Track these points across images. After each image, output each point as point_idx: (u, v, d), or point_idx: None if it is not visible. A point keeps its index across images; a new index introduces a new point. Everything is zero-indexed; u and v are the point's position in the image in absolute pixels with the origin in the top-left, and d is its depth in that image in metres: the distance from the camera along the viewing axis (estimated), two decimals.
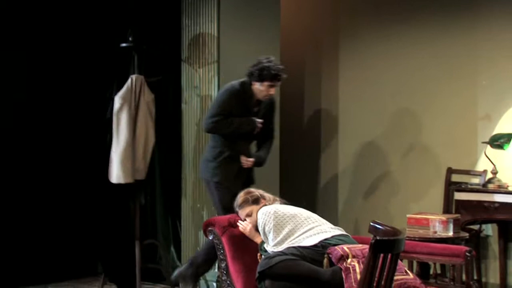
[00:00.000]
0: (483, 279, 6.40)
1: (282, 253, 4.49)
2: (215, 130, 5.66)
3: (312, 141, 7.71)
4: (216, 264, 5.90)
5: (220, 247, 4.82)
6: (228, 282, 4.78)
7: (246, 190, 4.96)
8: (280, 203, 4.90)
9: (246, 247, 4.79)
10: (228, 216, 5.02)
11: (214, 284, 6.37)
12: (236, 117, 5.65)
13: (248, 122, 5.66)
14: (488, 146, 6.02)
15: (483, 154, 6.13)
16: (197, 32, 6.54)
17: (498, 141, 5.94)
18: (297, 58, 7.78)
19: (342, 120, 7.48)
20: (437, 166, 6.63)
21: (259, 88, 5.63)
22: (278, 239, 4.60)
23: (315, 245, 4.51)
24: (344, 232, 4.69)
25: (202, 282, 6.49)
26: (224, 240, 4.81)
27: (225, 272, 4.80)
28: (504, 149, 5.95)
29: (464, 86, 6.63)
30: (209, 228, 4.87)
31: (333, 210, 7.37)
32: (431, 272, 5.87)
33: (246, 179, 5.76)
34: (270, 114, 5.88)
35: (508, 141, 5.91)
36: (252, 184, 5.73)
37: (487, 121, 6.46)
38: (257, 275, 4.52)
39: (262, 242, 4.71)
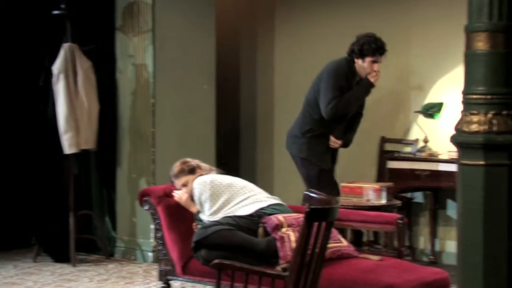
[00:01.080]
0: (414, 245, 6.54)
1: (217, 222, 4.51)
2: (337, 114, 5.46)
3: (248, 110, 7.70)
4: (153, 234, 5.88)
5: (156, 217, 4.82)
6: (164, 251, 4.79)
7: (182, 160, 4.93)
8: (217, 173, 4.89)
9: (182, 216, 4.79)
10: (164, 186, 5.00)
11: (150, 254, 6.36)
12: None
13: (363, 86, 5.49)
14: (420, 115, 6.11)
15: (415, 123, 6.23)
16: (131, 0, 6.44)
17: (429, 110, 6.05)
18: (232, 28, 7.74)
19: (278, 89, 7.49)
20: (371, 136, 6.71)
21: (362, 65, 5.46)
22: (214, 208, 4.60)
23: (250, 215, 4.53)
24: (280, 201, 4.72)
25: (137, 252, 6.47)
26: (159, 210, 4.79)
27: (161, 242, 4.80)
28: (435, 118, 6.06)
29: (397, 55, 6.69)
30: (145, 198, 4.85)
31: (269, 180, 7.41)
32: (365, 239, 5.97)
33: (332, 157, 5.66)
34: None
35: (439, 110, 6.02)
36: (335, 163, 5.68)
37: (419, 91, 6.55)
38: (192, 244, 4.53)
39: (198, 212, 4.71)
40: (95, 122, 6.27)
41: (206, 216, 4.63)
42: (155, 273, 5.65)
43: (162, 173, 6.18)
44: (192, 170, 4.85)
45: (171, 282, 4.85)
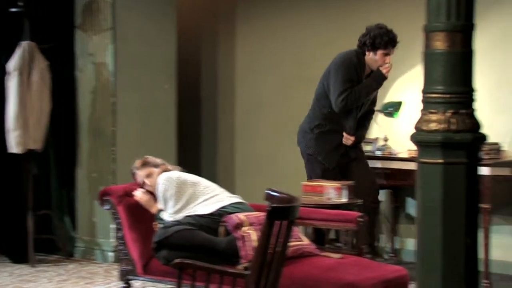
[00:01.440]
0: (375, 243, 6.59)
1: (178, 222, 4.49)
2: (348, 107, 5.36)
3: (210, 109, 7.69)
4: (113, 234, 5.85)
5: (117, 216, 4.79)
6: (124, 251, 4.76)
7: (144, 156, 4.90)
8: (180, 171, 4.88)
9: (143, 216, 4.76)
10: (124, 185, 4.97)
11: (110, 253, 6.32)
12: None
13: (374, 78, 5.38)
14: (379, 114, 6.16)
15: (375, 122, 6.27)
16: None
17: (388, 109, 6.10)
18: (193, 26, 7.71)
19: (239, 87, 7.49)
20: None
21: (373, 58, 5.36)
22: (178, 206, 4.59)
23: (211, 213, 4.53)
24: (241, 200, 4.73)
25: (97, 252, 6.42)
26: (120, 209, 4.77)
27: (121, 241, 4.77)
28: (394, 117, 6.11)
29: None
30: (105, 198, 4.82)
31: (230, 178, 7.40)
32: (326, 237, 5.99)
33: (343, 155, 5.54)
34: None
35: (398, 109, 6.07)
36: (354, 160, 5.55)
37: (379, 89, 6.58)
38: (153, 245, 4.51)
39: (159, 211, 4.69)
40: (45, 122, 6.20)
41: (168, 214, 4.61)
42: (115, 273, 5.62)
43: (123, 172, 6.14)
44: (156, 165, 4.83)
45: (131, 282, 4.82)
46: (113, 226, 5.21)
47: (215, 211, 4.54)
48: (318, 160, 5.52)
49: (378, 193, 5.67)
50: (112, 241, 6.20)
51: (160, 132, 6.69)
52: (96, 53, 6.39)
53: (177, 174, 4.73)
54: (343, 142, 5.51)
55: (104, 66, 6.35)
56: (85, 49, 6.46)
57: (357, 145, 5.58)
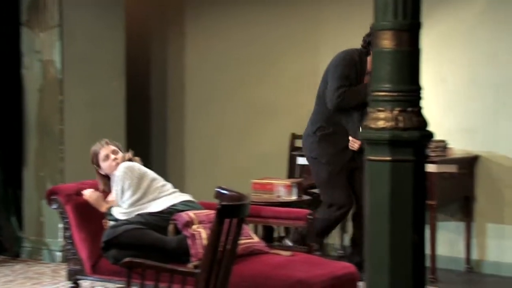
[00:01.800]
0: (324, 241, 6.64)
1: (128, 221, 4.46)
2: (343, 104, 5.20)
3: (159, 107, 7.65)
4: (61, 233, 5.78)
5: (65, 216, 4.73)
6: (73, 251, 4.71)
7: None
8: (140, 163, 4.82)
9: (91, 215, 4.71)
10: (72, 184, 4.92)
11: (58, 253, 6.24)
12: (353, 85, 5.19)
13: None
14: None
15: None
16: None
17: None
18: (142, 23, 7.66)
19: (188, 85, 7.47)
20: (282, 132, 6.77)
21: None
22: (134, 198, 4.53)
23: (161, 211, 4.51)
24: (191, 198, 4.71)
25: (45, 252, 6.34)
26: (68, 208, 4.71)
27: (69, 241, 4.72)
28: None
29: (306, 53, 6.79)
30: (53, 197, 4.75)
31: (180, 176, 7.38)
32: (275, 235, 6.01)
33: (350, 160, 5.40)
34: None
35: None
36: (357, 169, 5.32)
37: None
38: (102, 244, 4.47)
39: (109, 209, 4.64)
40: None
41: (121, 210, 4.55)
42: (63, 273, 5.54)
43: (71, 171, 6.08)
44: (121, 149, 4.78)
45: (80, 281, 4.77)
46: (61, 225, 5.14)
47: (165, 209, 4.51)
48: (322, 163, 5.42)
49: None
50: (60, 240, 6.12)
51: (109, 130, 6.61)
52: (43, 50, 6.31)
53: (138, 165, 4.69)
54: (350, 146, 5.38)
55: (51, 63, 6.27)
56: (32, 46, 6.37)
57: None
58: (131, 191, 4.54)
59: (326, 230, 5.60)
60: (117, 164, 4.65)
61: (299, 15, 6.77)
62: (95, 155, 4.74)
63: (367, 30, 5.11)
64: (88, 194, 4.72)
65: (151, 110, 7.72)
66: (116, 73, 6.72)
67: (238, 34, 7.10)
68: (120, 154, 4.71)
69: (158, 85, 7.67)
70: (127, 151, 4.85)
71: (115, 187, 4.60)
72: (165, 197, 4.62)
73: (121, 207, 4.57)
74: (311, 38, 6.74)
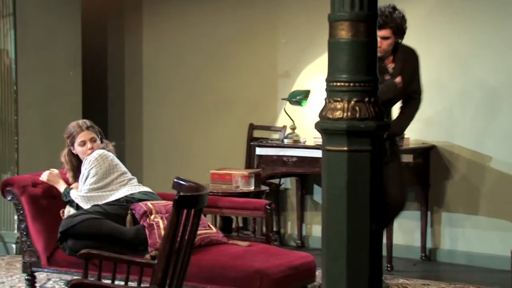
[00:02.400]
0: (282, 230, 6.68)
1: (85, 211, 4.43)
2: None
3: (116, 97, 7.60)
4: (16, 225, 5.71)
5: (20, 207, 4.68)
6: (28, 243, 4.67)
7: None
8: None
9: (47, 207, 4.68)
10: (27, 175, 4.87)
11: (13, 245, 6.17)
12: None
13: (387, 86, 4.73)
14: (287, 102, 6.22)
15: (283, 111, 6.33)
16: None
17: (296, 98, 6.16)
18: (99, 12, 7.59)
19: (146, 75, 7.43)
20: (240, 123, 6.78)
21: None
22: (94, 186, 4.50)
23: (118, 200, 4.49)
24: (149, 190, 4.70)
25: (0, 244, 6.26)
26: (23, 200, 4.66)
27: (25, 233, 4.67)
28: (302, 106, 6.18)
29: (264, 45, 6.80)
30: (7, 188, 4.70)
31: (138, 166, 7.34)
32: (234, 225, 6.03)
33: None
34: (408, 68, 4.87)
35: (305, 98, 6.14)
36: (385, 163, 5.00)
37: (286, 78, 6.67)
38: (59, 235, 4.43)
39: (66, 188, 4.60)
40: None
41: (80, 192, 4.51)
42: (18, 265, 5.48)
43: (26, 162, 6.01)
44: (101, 137, 4.73)
45: (36, 274, 4.73)
46: (16, 217, 5.08)
47: (122, 198, 4.50)
48: None
49: (402, 204, 5.04)
50: (15, 232, 6.07)
51: (65, 120, 6.44)
52: None
53: (112, 156, 4.65)
54: None
55: (5, 53, 6.17)
56: None
57: (393, 138, 4.99)
58: (95, 179, 4.52)
59: None
60: (92, 152, 4.61)
61: (256, 8, 6.77)
62: (72, 136, 4.67)
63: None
64: (46, 176, 4.68)
65: (108, 101, 7.66)
66: (72, 63, 6.64)
67: (195, 25, 7.07)
68: (97, 143, 4.66)
69: (115, 75, 7.61)
70: (107, 140, 4.80)
71: (83, 171, 4.57)
72: (123, 187, 4.60)
73: (80, 190, 4.54)
74: (268, 31, 6.75)
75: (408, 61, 4.89)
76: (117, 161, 4.69)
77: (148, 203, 4.43)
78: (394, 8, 4.83)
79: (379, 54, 4.63)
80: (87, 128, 4.69)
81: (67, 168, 4.72)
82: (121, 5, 7.55)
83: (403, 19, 4.85)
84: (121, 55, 7.56)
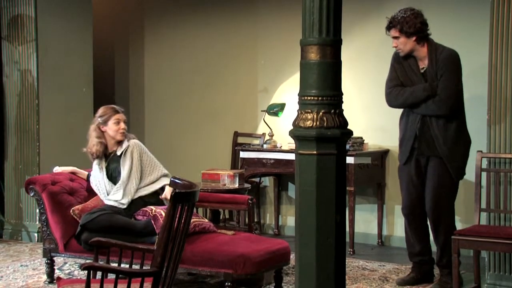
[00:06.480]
0: (262, 221, 6.66)
1: (102, 209, 4.40)
2: (389, 103, 4.39)
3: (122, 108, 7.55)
4: (37, 217, 5.64)
5: (41, 202, 4.65)
6: (48, 232, 4.63)
7: None
8: None
9: (64, 202, 4.65)
10: (47, 175, 4.82)
11: (35, 234, 6.10)
12: (404, 85, 4.31)
13: (423, 88, 4.28)
14: (266, 113, 6.21)
15: (262, 120, 6.32)
16: (15, 13, 6.13)
17: (273, 110, 6.15)
18: (108, 37, 7.55)
19: (147, 91, 7.40)
20: (226, 130, 6.77)
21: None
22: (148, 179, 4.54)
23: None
24: None
25: (24, 233, 6.19)
26: (44, 196, 4.62)
27: (45, 223, 4.63)
28: (278, 116, 6.17)
29: (246, 65, 6.79)
30: (30, 186, 4.66)
31: None
32: (221, 217, 6.00)
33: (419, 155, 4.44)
34: (440, 70, 4.27)
35: (281, 110, 6.13)
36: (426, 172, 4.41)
37: (265, 93, 6.66)
38: (79, 228, 4.39)
39: (88, 175, 4.59)
40: None
41: (139, 183, 4.54)
42: (40, 251, 5.43)
43: (46, 164, 5.96)
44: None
45: (54, 258, 4.70)
46: (37, 210, 5.03)
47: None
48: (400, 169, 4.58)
49: (436, 214, 4.49)
50: (37, 223, 6.02)
51: (79, 129, 6.47)
52: (21, 61, 6.16)
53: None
54: None
55: (29, 72, 6.12)
56: (11, 58, 6.21)
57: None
58: (148, 170, 4.58)
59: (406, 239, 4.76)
60: (123, 134, 4.50)
61: (240, 35, 6.76)
62: (108, 115, 4.44)
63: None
64: (60, 168, 4.72)
65: None
66: (85, 81, 6.60)
67: (187, 49, 7.06)
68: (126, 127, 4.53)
69: (121, 91, 7.57)
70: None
71: (146, 158, 4.54)
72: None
73: (143, 179, 4.50)
74: (250, 54, 6.74)
75: (442, 65, 4.26)
76: None
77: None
78: (406, 10, 4.32)
79: (401, 54, 4.39)
80: (122, 112, 4.59)
81: (96, 141, 4.46)
82: (126, 32, 7.51)
83: (413, 18, 4.27)
84: (126, 74, 7.52)
